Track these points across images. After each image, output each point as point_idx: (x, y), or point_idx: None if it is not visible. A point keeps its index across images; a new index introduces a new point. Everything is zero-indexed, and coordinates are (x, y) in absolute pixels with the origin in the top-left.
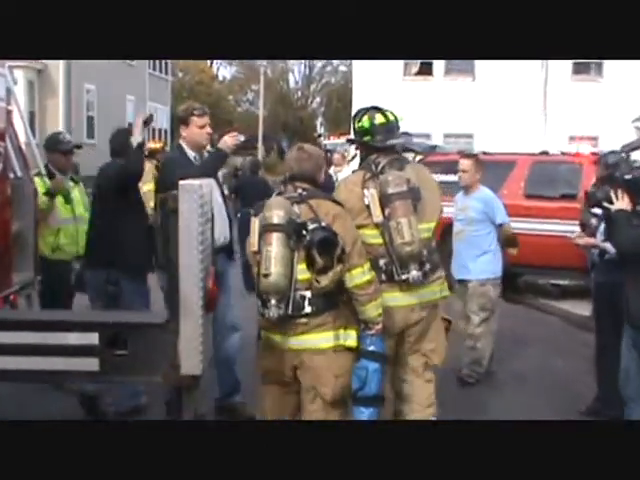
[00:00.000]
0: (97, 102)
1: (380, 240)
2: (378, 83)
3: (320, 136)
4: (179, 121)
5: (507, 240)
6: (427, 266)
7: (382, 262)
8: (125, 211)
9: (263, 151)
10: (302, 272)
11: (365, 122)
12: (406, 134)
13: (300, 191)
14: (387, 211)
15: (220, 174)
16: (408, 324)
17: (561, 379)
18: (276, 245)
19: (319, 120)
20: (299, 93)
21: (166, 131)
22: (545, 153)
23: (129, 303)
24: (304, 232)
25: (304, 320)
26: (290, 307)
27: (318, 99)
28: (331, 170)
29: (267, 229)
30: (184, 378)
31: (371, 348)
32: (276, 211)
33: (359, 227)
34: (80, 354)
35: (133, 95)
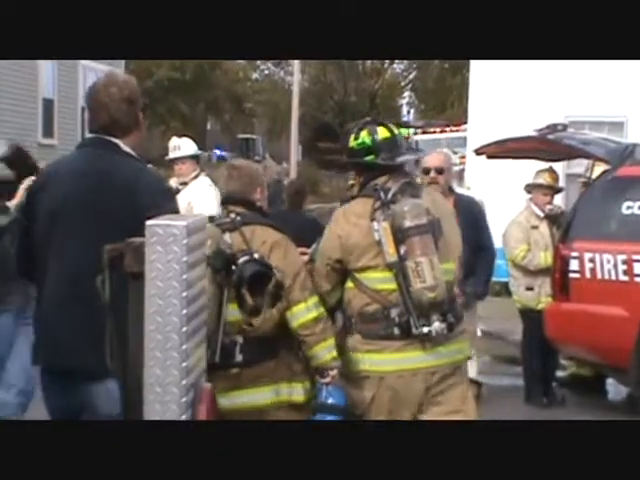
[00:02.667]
0: None
1: (392, 285)
2: None
3: (408, 126)
4: (130, 111)
5: None
6: (451, 317)
7: (395, 313)
8: None
9: (299, 154)
10: (232, 313)
11: (365, 138)
12: (560, 126)
13: (233, 216)
14: (403, 249)
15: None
16: (428, 391)
17: None
18: None
19: (405, 97)
20: None
21: None
22: None
23: None
24: (233, 267)
25: (234, 371)
26: (217, 355)
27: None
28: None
29: None
30: None
31: (330, 401)
32: None
33: (364, 269)
34: None
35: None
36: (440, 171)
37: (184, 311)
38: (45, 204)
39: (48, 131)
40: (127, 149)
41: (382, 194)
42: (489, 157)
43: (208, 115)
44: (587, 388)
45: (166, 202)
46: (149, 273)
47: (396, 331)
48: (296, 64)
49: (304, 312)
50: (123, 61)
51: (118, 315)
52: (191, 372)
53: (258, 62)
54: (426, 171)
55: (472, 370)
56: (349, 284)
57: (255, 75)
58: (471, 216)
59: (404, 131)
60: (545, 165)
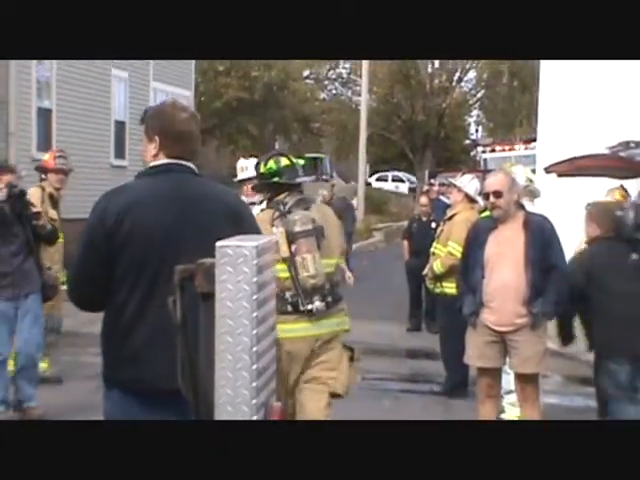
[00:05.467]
0: (57, 83)
1: (287, 274)
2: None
3: (476, 145)
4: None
5: None
6: (329, 298)
7: (288, 294)
8: None
9: (367, 173)
10: None
11: (272, 164)
12: (632, 143)
13: None
14: (294, 247)
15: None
16: (312, 353)
17: None
18: None
19: (474, 115)
20: (435, 63)
21: None
22: None
23: None
24: None
25: None
26: None
27: (472, 74)
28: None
29: None
30: None
31: None
32: None
33: None
34: None
35: (125, 70)
36: (498, 195)
37: (254, 331)
38: (140, 230)
39: (120, 152)
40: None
41: (281, 207)
42: (559, 175)
43: (276, 135)
44: None
45: (259, 228)
46: (219, 293)
47: (289, 308)
48: (364, 84)
49: None
50: (193, 83)
51: (187, 339)
52: (261, 391)
53: (326, 82)
54: (486, 196)
55: (540, 389)
56: None
57: (323, 95)
58: (542, 235)
59: (298, 162)
60: (616, 183)
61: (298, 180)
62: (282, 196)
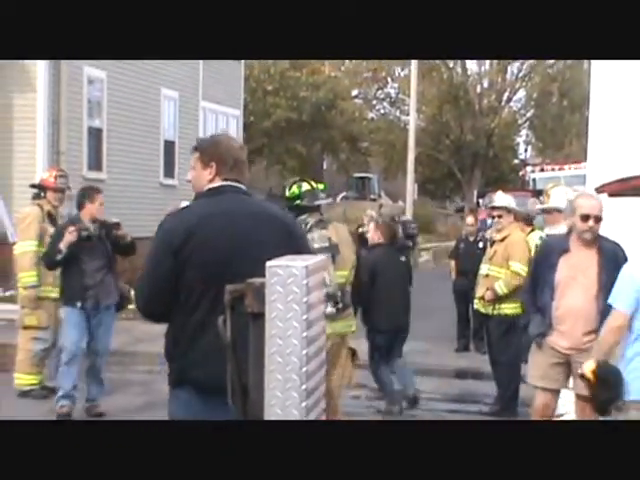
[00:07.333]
0: (108, 102)
1: None
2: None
3: (526, 164)
4: None
5: None
6: (340, 304)
7: None
8: None
9: (416, 193)
10: None
11: (295, 190)
12: None
13: None
14: None
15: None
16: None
17: None
18: None
19: (523, 134)
20: (484, 83)
21: None
22: None
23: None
24: None
25: None
26: None
27: (522, 94)
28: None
29: None
30: None
31: None
32: None
33: None
34: None
35: (175, 89)
36: (599, 220)
37: (304, 351)
38: (205, 246)
39: (169, 172)
40: None
41: (303, 226)
42: (611, 195)
43: (324, 154)
44: None
45: (310, 247)
46: (269, 313)
47: None
48: (412, 104)
49: None
50: (242, 102)
51: (238, 358)
52: (311, 411)
53: (374, 102)
54: (585, 218)
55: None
56: None
57: (371, 115)
58: (615, 262)
59: (321, 187)
60: None
61: (316, 203)
62: (304, 217)
